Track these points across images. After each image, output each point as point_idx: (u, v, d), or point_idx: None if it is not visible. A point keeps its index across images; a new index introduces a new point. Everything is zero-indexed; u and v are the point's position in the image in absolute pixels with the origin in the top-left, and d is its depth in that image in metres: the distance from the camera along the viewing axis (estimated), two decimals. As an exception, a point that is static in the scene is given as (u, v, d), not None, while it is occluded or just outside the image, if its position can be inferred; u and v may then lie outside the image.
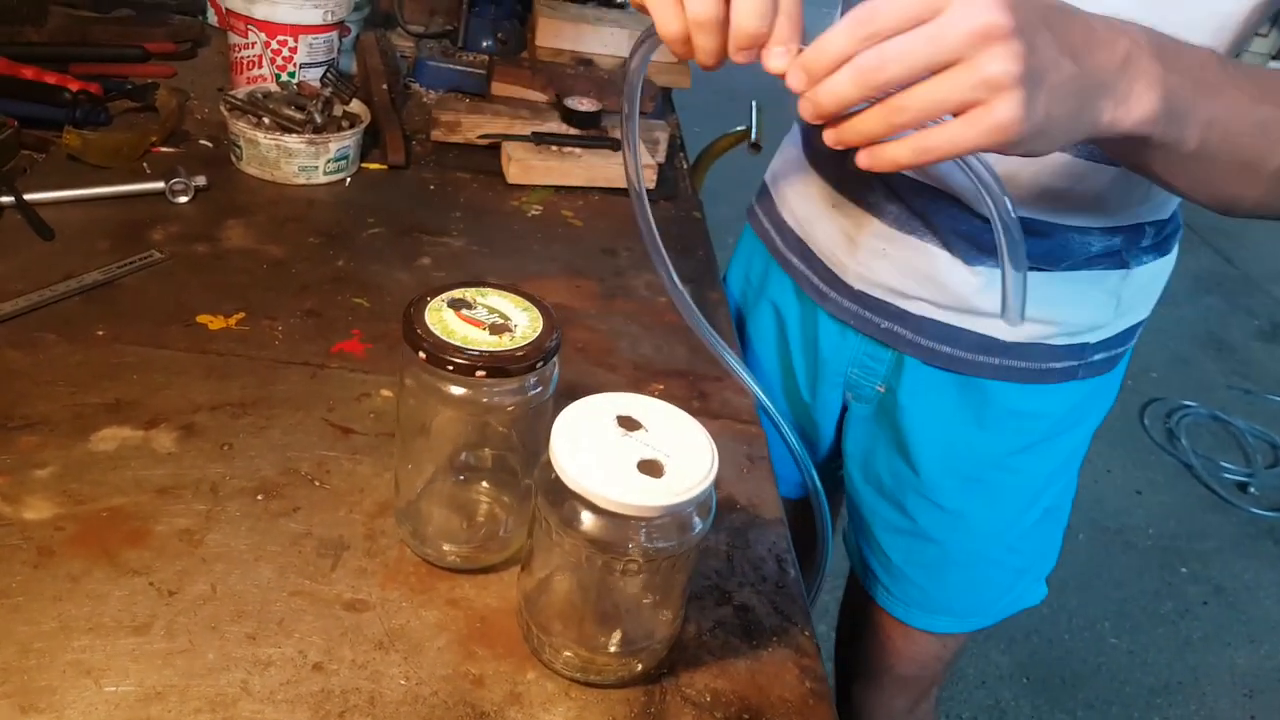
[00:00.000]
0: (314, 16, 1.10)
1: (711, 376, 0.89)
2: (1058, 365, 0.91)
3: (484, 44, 1.35)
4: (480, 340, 0.56)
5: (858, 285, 0.93)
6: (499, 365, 0.56)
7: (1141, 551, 2.42)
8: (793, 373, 1.03)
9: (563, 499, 0.52)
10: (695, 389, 0.87)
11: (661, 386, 0.87)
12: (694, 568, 0.60)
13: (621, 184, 1.16)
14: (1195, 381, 3.17)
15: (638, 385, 0.86)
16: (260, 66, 1.12)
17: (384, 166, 1.11)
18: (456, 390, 0.56)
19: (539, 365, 0.57)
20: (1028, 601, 1.06)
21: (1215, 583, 2.37)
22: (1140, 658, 2.13)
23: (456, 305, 0.59)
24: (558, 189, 1.15)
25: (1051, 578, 2.26)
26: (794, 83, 0.53)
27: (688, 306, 0.82)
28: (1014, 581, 1.04)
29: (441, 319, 0.57)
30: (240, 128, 1.00)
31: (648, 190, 1.18)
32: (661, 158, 1.25)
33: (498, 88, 1.26)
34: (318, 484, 0.65)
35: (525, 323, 0.59)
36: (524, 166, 1.13)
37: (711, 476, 0.54)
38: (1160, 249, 0.91)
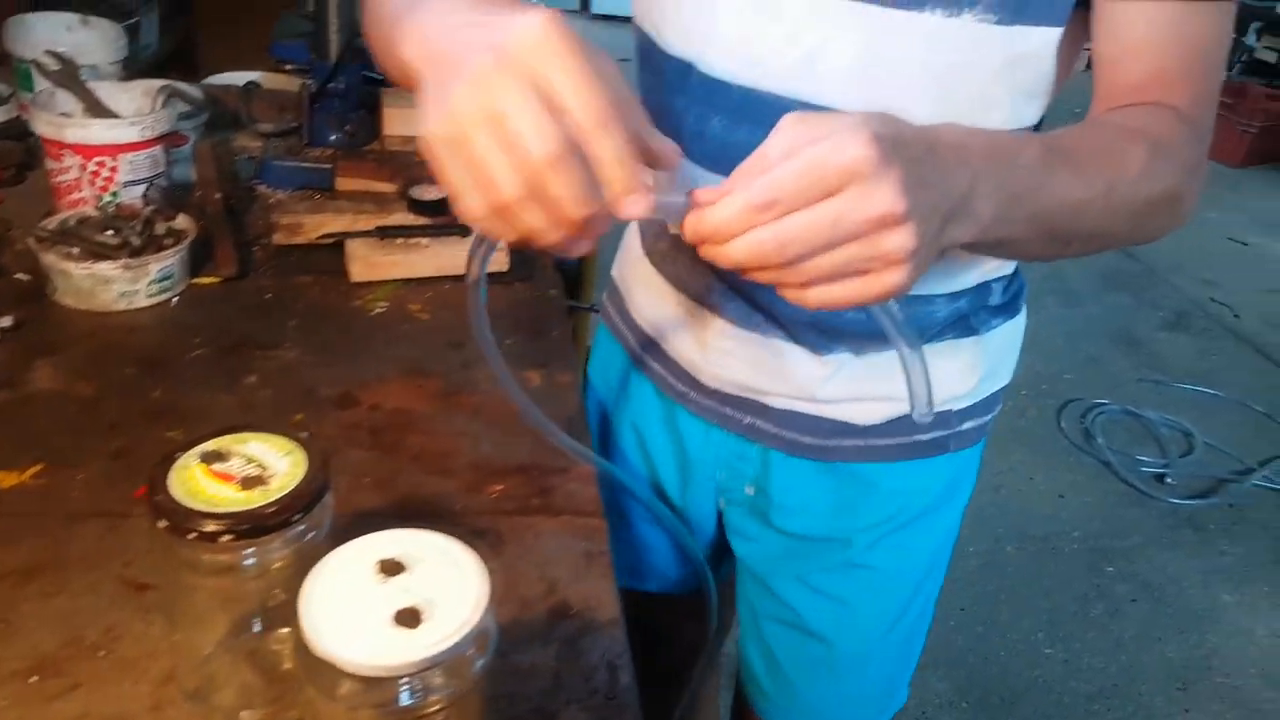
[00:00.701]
0: (131, 134, 1.07)
1: (556, 469, 0.87)
2: (924, 438, 0.90)
3: (331, 138, 1.33)
4: (228, 499, 0.54)
5: (713, 384, 0.90)
6: (247, 526, 0.53)
7: (1068, 556, 2.44)
8: (660, 480, 1.01)
9: (316, 663, 0.50)
10: (537, 486, 0.85)
11: (501, 487, 0.85)
12: (486, 702, 0.58)
13: (468, 270, 1.15)
14: (1108, 378, 3.22)
15: (475, 489, 0.84)
16: (80, 190, 1.09)
17: (218, 279, 1.08)
18: (209, 558, 0.54)
19: (296, 519, 0.55)
20: (896, 706, 1.04)
21: (1142, 578, 2.39)
22: (1074, 665, 2.14)
23: (210, 459, 0.57)
24: (406, 282, 1.13)
25: (984, 594, 2.28)
26: (687, 236, 0.51)
27: (525, 403, 0.74)
28: (893, 685, 1.02)
29: (190, 478, 0.55)
30: (50, 260, 0.97)
31: (501, 273, 1.17)
32: (513, 236, 1.24)
33: (343, 183, 1.24)
34: (103, 654, 0.62)
35: (285, 469, 0.57)
36: (367, 264, 1.11)
37: (478, 615, 0.52)
38: (1009, 310, 0.90)
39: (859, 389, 0.86)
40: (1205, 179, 0.71)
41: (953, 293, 0.84)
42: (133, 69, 1.80)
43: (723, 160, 0.77)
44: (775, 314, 0.85)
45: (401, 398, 0.93)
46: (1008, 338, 0.91)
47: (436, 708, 0.52)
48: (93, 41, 1.29)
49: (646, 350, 0.97)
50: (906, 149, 0.49)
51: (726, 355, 0.88)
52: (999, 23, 0.68)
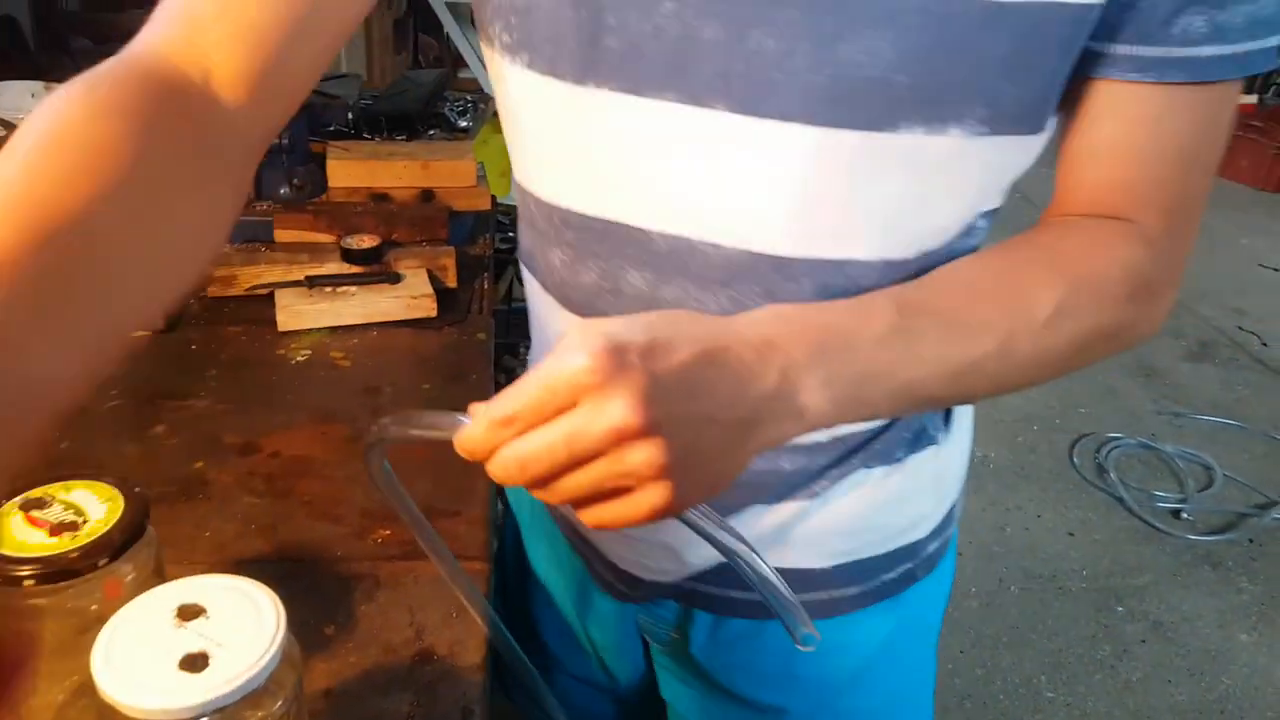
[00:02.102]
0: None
1: (448, 512, 0.87)
2: (892, 575, 0.78)
3: (281, 191, 1.36)
4: (37, 545, 0.55)
5: (647, 576, 0.79)
6: (51, 570, 0.55)
7: (1075, 595, 2.37)
8: (571, 631, 0.93)
9: (107, 709, 0.51)
10: (424, 529, 0.86)
11: (388, 532, 0.85)
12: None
13: (397, 316, 1.17)
14: (1125, 411, 3.15)
15: (361, 534, 0.85)
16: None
17: (146, 332, 1.11)
18: (22, 603, 0.55)
19: (104, 563, 0.56)
20: None
21: (1153, 618, 2.32)
22: (1078, 709, 2.07)
23: (29, 506, 0.58)
24: (332, 330, 1.15)
25: (984, 636, 2.22)
26: (459, 451, 0.49)
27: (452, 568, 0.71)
28: None
29: (4, 526, 0.56)
30: (-21, 316, 1.01)
31: (429, 318, 1.18)
32: (452, 282, 1.26)
33: (281, 234, 1.27)
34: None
35: (101, 515, 0.58)
36: (292, 313, 1.14)
37: (268, 657, 0.53)
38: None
39: (813, 531, 0.74)
40: (1170, 298, 0.61)
41: None
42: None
43: None
44: None
45: (304, 444, 0.95)
46: (963, 423, 0.80)
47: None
48: (52, 107, 1.34)
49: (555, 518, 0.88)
50: (666, 355, 0.45)
51: (649, 544, 0.77)
52: (990, 134, 0.56)
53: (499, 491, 0.98)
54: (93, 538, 0.56)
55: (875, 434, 0.72)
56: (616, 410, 0.43)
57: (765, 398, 0.48)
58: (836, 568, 0.76)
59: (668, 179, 0.59)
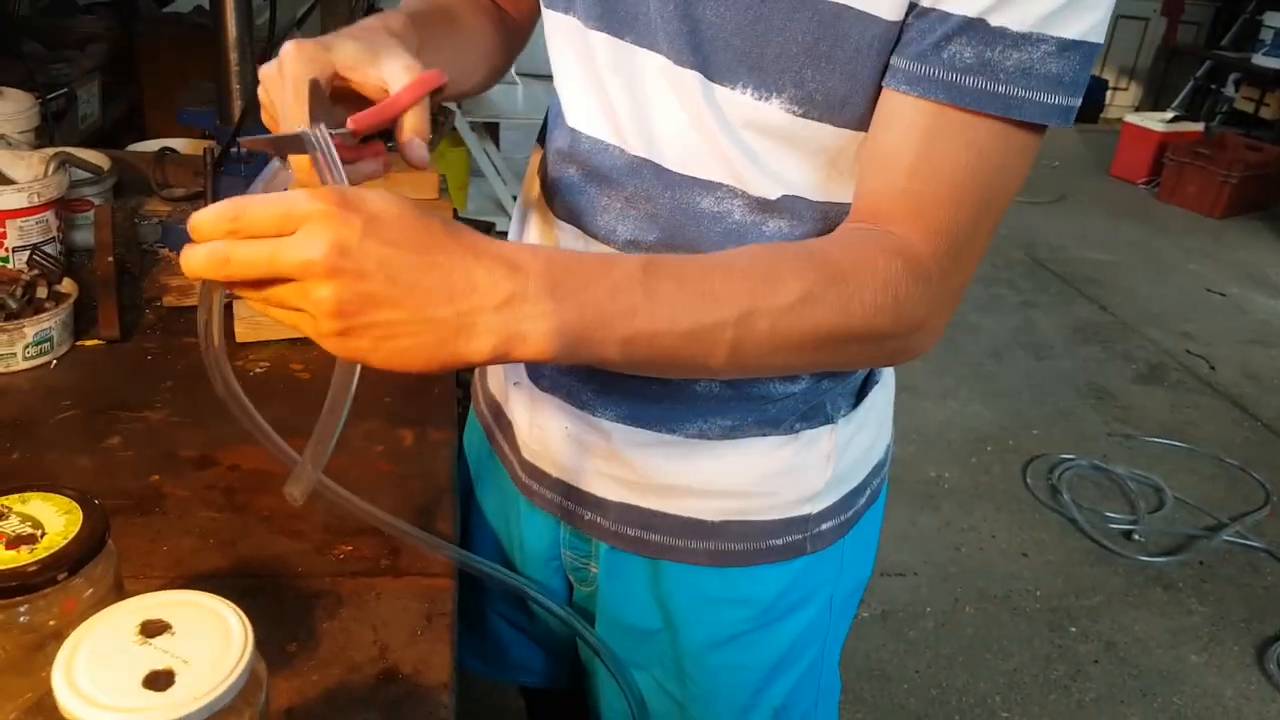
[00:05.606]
0: (17, 201, 1.08)
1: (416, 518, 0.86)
2: (779, 541, 0.83)
3: (239, 200, 1.34)
4: (-9, 558, 0.53)
5: (555, 473, 0.86)
6: (8, 584, 0.53)
7: (1030, 615, 2.39)
8: (512, 558, 0.98)
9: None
10: (387, 546, 0.84)
11: (350, 548, 0.84)
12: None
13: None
14: (1077, 433, 3.19)
15: (323, 549, 0.83)
16: (-28, 254, 1.10)
17: (101, 341, 1.08)
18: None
19: (63, 577, 0.54)
20: None
21: (1106, 639, 2.34)
22: (1032, 729, 2.09)
23: (-17, 519, 0.56)
24: (292, 342, 1.13)
25: (940, 656, 2.23)
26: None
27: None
28: None
29: (-45, 539, 0.54)
30: (-75, 324, 0.97)
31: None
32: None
33: (241, 245, 1.25)
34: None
35: (59, 528, 0.56)
36: (251, 324, 1.12)
37: (235, 675, 0.51)
38: (866, 386, 0.84)
39: (705, 485, 0.81)
40: (935, 327, 0.65)
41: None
42: (72, 138, 1.84)
43: (575, 213, 0.78)
44: (608, 393, 0.80)
45: (263, 458, 0.92)
46: (870, 415, 0.85)
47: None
48: (5, 112, 1.31)
49: (502, 433, 0.93)
50: (387, 233, 0.51)
51: (565, 440, 0.83)
52: (803, 116, 0.65)
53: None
54: (51, 551, 0.54)
55: (771, 401, 0.78)
56: (315, 247, 0.50)
57: (481, 310, 0.53)
58: (723, 523, 0.82)
59: (596, 91, 0.73)
